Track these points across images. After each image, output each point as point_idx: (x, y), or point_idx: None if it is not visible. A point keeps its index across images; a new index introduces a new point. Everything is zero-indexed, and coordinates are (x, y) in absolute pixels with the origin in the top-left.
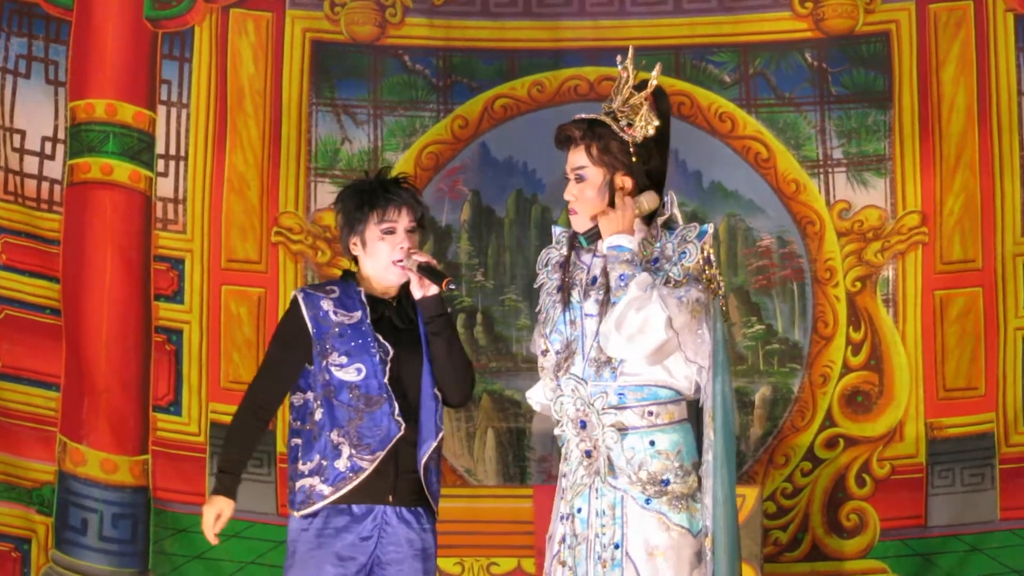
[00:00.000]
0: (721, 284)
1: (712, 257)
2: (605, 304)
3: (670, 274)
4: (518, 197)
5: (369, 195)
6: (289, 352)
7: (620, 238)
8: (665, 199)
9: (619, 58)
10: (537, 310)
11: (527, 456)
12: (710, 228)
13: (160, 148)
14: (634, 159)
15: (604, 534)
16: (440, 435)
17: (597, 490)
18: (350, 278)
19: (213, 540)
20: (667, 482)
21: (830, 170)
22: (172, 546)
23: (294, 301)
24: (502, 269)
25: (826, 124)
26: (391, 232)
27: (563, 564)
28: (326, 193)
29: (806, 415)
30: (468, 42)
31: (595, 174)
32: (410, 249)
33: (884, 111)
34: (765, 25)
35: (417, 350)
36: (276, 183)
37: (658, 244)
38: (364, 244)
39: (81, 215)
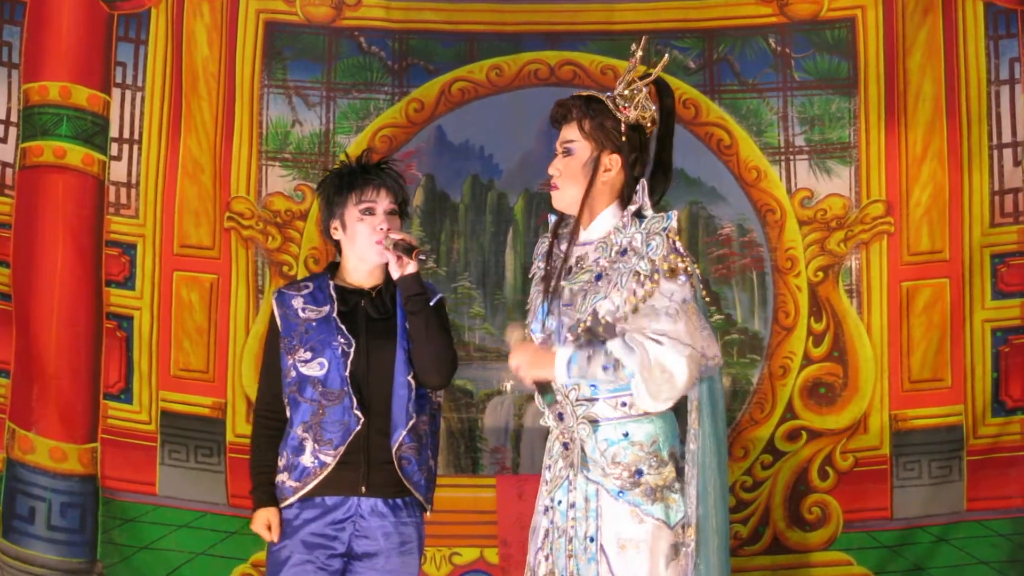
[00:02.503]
0: (696, 271)
1: (679, 245)
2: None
3: (638, 268)
4: (474, 182)
5: (348, 177)
6: (271, 355)
7: (561, 363)
8: (637, 187)
9: (633, 47)
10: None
11: (479, 447)
12: (673, 216)
13: (114, 131)
14: (623, 138)
15: (578, 527)
16: (411, 422)
17: (572, 482)
18: (329, 271)
19: (274, 539)
20: (641, 473)
21: (792, 157)
22: (120, 536)
23: (269, 303)
24: (455, 256)
25: (789, 110)
26: (370, 212)
27: (547, 558)
28: (276, 177)
29: (765, 407)
30: (426, 24)
31: (583, 148)
32: (389, 229)
33: (849, 98)
34: (730, 10)
35: (390, 339)
36: (228, 167)
37: (627, 235)
38: (344, 227)
39: (33, 199)
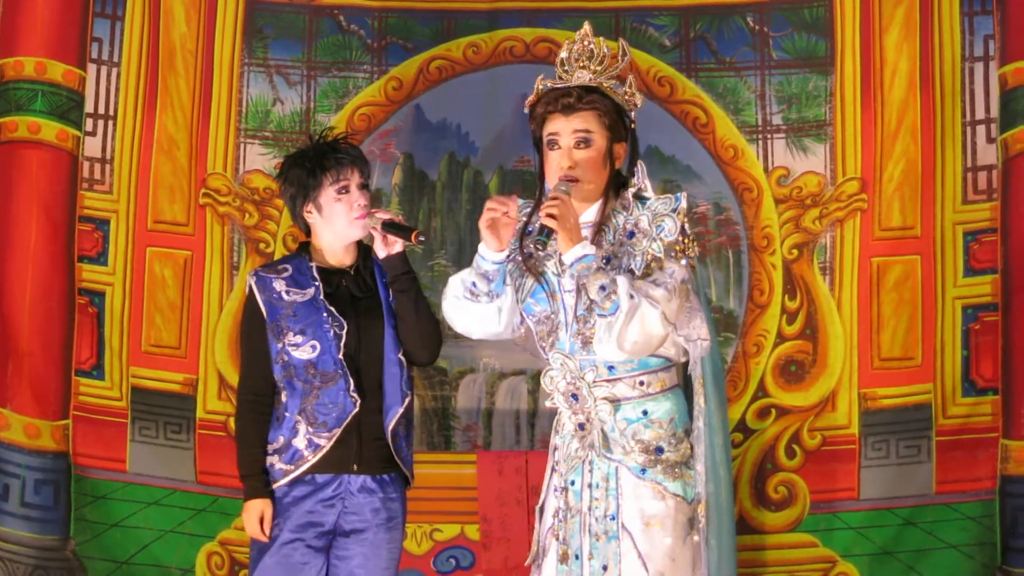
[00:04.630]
0: (697, 251)
1: (686, 227)
2: (580, 294)
3: (650, 250)
4: (451, 160)
5: (319, 159)
6: (257, 339)
7: (580, 248)
8: (636, 169)
9: (586, 29)
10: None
11: (452, 425)
12: (683, 198)
13: (89, 107)
14: (632, 125)
15: (598, 507)
16: (407, 400)
17: (591, 463)
18: (303, 252)
19: (265, 538)
20: (661, 450)
21: (769, 136)
22: (92, 513)
23: (248, 288)
24: (432, 234)
25: (766, 89)
26: (346, 191)
27: (557, 537)
28: (255, 155)
29: (739, 385)
30: (404, 2)
31: (601, 139)
32: (370, 207)
33: (825, 76)
34: None
35: (378, 316)
36: (205, 144)
37: (631, 216)
38: (320, 209)
39: (7, 174)
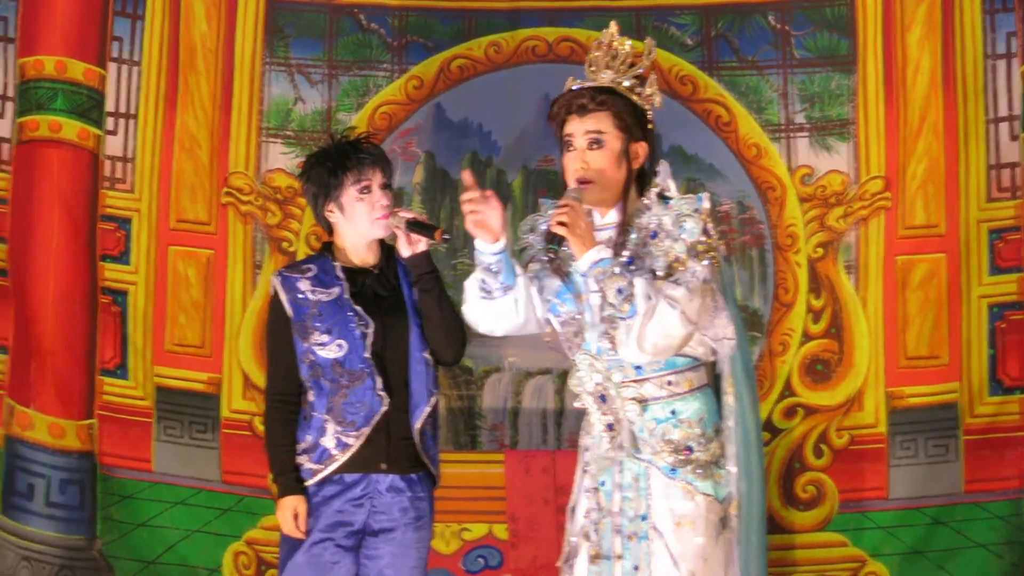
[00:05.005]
0: (722, 250)
1: (709, 227)
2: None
3: (673, 249)
4: (473, 159)
5: (340, 159)
6: (283, 340)
7: (594, 253)
8: (659, 168)
9: (612, 29)
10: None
11: (478, 424)
12: (705, 198)
13: (110, 106)
14: (649, 126)
15: (629, 508)
16: (434, 399)
17: (621, 464)
18: (327, 252)
19: (301, 535)
20: (691, 450)
21: (792, 134)
22: (118, 513)
23: (273, 288)
24: (455, 233)
25: (789, 88)
26: (367, 191)
27: (587, 538)
28: (277, 154)
29: (764, 384)
30: (425, 1)
31: (614, 140)
32: (392, 206)
33: (848, 75)
34: None
35: (403, 316)
36: (227, 143)
37: (655, 216)
38: (342, 208)
39: (29, 174)
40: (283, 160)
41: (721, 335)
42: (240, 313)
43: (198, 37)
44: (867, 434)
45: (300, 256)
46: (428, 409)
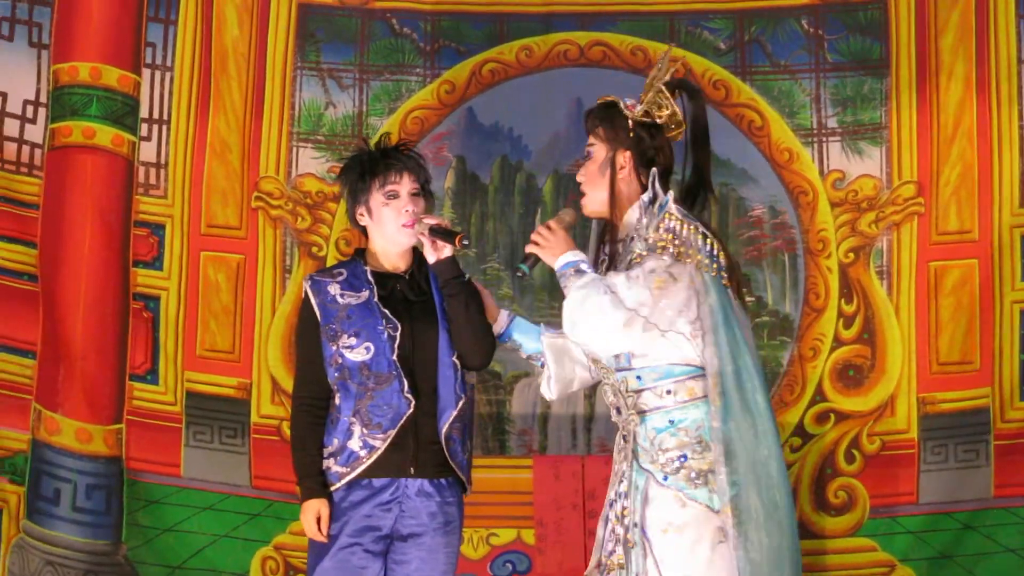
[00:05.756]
0: (712, 250)
1: (676, 226)
2: None
3: (635, 249)
4: (503, 164)
5: (370, 164)
6: (312, 344)
7: (563, 256)
8: (648, 179)
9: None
10: None
11: (507, 429)
12: (669, 198)
13: (144, 112)
14: (631, 134)
15: (627, 516)
16: (461, 403)
17: (625, 473)
18: (360, 257)
19: (323, 538)
20: (685, 458)
21: (824, 139)
22: (145, 518)
23: (304, 292)
24: (485, 237)
25: (821, 92)
26: (394, 196)
27: (603, 548)
28: (308, 158)
29: (795, 389)
30: (457, 6)
31: (599, 150)
32: (418, 213)
33: (880, 79)
34: None
35: (432, 320)
36: (258, 147)
37: (638, 222)
38: (370, 212)
39: (61, 179)
40: (314, 165)
41: (666, 327)
42: (270, 318)
43: (230, 42)
44: (899, 440)
45: (330, 261)
46: (454, 413)
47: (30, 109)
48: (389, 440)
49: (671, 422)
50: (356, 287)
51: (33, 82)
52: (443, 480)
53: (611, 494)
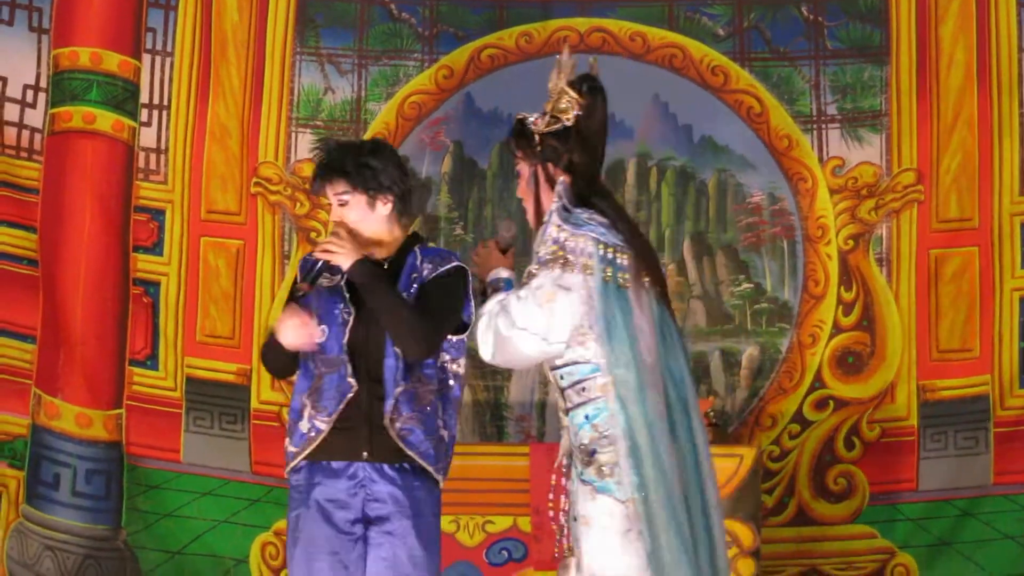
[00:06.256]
0: (605, 254)
1: (562, 237)
2: None
3: (530, 268)
4: (502, 149)
5: (315, 172)
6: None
7: (495, 273)
8: (557, 187)
9: (562, 55)
10: None
11: (505, 415)
12: (554, 211)
13: (144, 97)
14: (539, 148)
15: (567, 508)
16: (399, 390)
17: (566, 465)
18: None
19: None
20: (595, 452)
21: (824, 126)
22: (145, 503)
23: (296, 268)
24: (483, 223)
25: (821, 79)
26: (340, 204)
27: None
28: (307, 143)
29: (794, 376)
30: None
31: (523, 167)
32: (337, 221)
33: (880, 66)
34: None
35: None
36: (257, 133)
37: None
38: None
39: (61, 164)
40: (312, 150)
41: (555, 339)
42: (269, 304)
43: (229, 28)
44: (898, 427)
45: None
46: (392, 401)
47: (30, 94)
48: (332, 423)
49: (586, 417)
50: (333, 271)
51: (33, 67)
52: (405, 465)
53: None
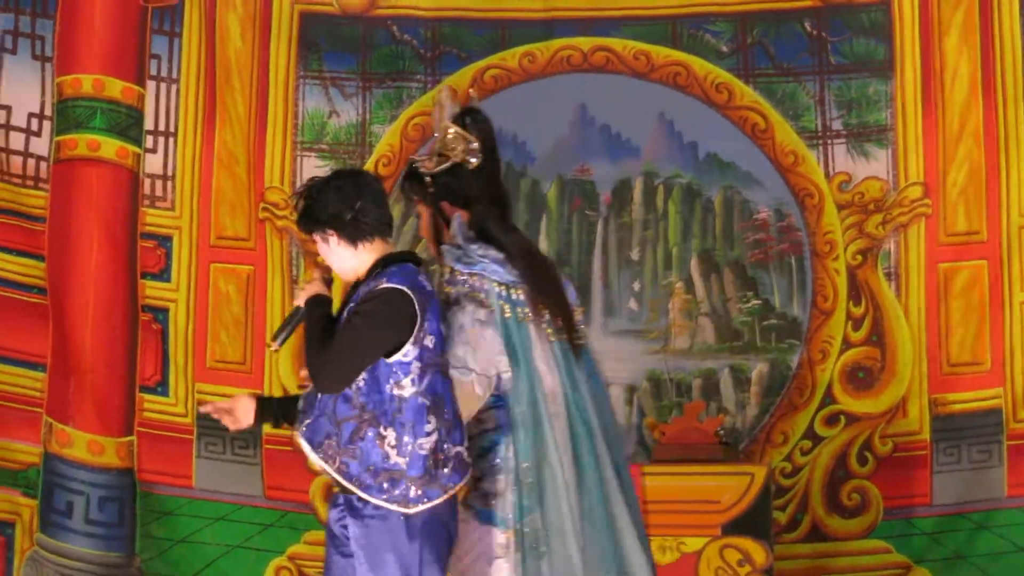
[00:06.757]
0: (499, 291)
1: (463, 278)
2: None
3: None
4: (507, 170)
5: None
6: None
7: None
8: (452, 222)
9: (440, 95)
10: None
11: None
12: (445, 249)
13: (149, 124)
14: (431, 190)
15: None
16: (307, 421)
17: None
18: None
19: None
20: (480, 479)
21: (830, 141)
22: (158, 530)
23: None
24: None
25: (825, 94)
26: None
27: None
28: (312, 168)
29: (805, 392)
30: (458, 12)
31: (421, 209)
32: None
33: (885, 81)
34: None
35: None
36: (263, 158)
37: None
38: None
39: (67, 192)
40: (318, 174)
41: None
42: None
43: (233, 54)
44: (911, 441)
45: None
46: (303, 429)
47: (35, 122)
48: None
49: (480, 447)
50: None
51: (37, 95)
52: (351, 497)
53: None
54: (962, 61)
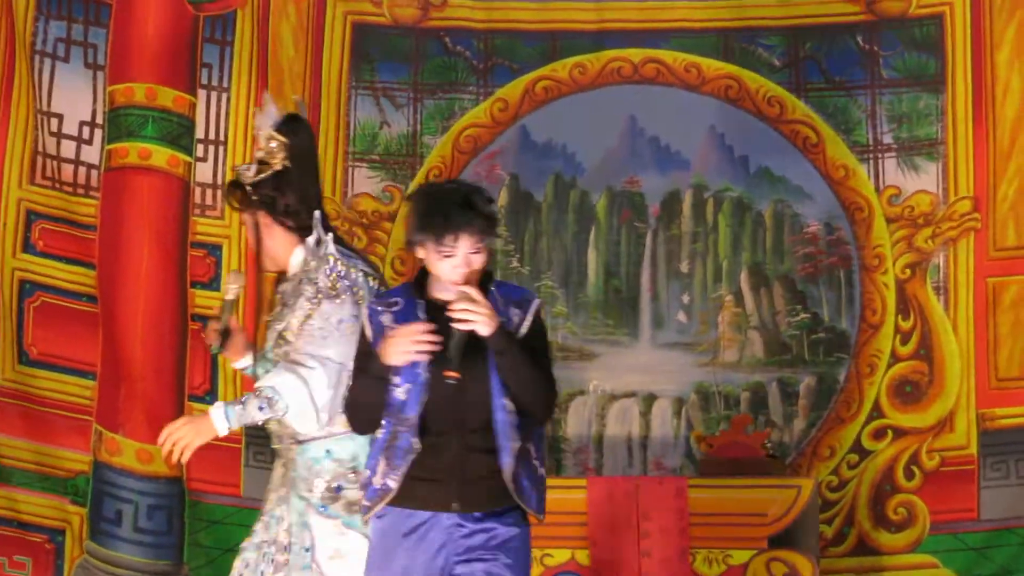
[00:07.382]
0: (373, 287)
1: (342, 269)
2: None
3: (305, 291)
4: (557, 181)
5: (428, 217)
6: (367, 356)
7: (220, 430)
8: (312, 221)
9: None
10: None
11: (562, 448)
12: (329, 241)
13: (200, 133)
14: (254, 197)
15: (295, 541)
16: (515, 445)
17: (283, 498)
18: (418, 284)
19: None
20: (340, 488)
21: (880, 155)
22: (206, 539)
23: (362, 318)
24: (539, 255)
25: (877, 108)
26: (449, 256)
27: (247, 566)
28: (363, 178)
29: (852, 406)
30: (510, 23)
31: (245, 218)
32: (469, 274)
33: (936, 95)
34: (816, 8)
35: (481, 359)
36: None
37: (305, 265)
38: (426, 254)
39: (118, 200)
40: (369, 184)
41: None
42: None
43: (285, 62)
44: (958, 455)
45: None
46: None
47: (86, 130)
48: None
49: (327, 452)
50: (408, 321)
51: (89, 103)
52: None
53: (266, 519)
54: (1013, 75)
